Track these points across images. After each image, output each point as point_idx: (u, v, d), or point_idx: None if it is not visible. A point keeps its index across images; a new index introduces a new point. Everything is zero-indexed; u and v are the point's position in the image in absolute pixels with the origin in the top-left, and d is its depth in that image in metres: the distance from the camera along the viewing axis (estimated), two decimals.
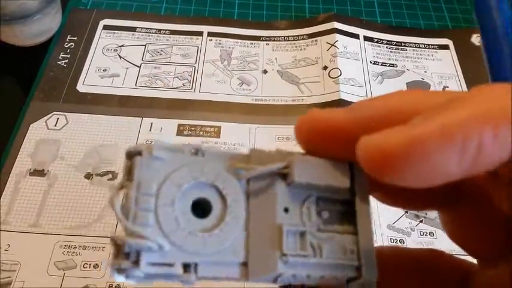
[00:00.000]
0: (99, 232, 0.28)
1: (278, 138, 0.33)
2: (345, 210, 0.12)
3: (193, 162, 0.11)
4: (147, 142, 0.32)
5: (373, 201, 0.16)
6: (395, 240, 0.28)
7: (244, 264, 0.11)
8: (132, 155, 0.11)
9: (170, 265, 0.10)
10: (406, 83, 0.37)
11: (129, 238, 0.10)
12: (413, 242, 0.28)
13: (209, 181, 0.11)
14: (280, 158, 0.12)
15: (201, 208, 0.11)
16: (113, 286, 0.26)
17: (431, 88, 0.37)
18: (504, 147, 0.09)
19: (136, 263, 0.10)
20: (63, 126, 0.33)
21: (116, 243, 0.10)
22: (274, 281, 0.11)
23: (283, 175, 0.12)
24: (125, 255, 0.10)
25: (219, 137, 0.33)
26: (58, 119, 0.33)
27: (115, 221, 0.28)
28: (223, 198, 0.12)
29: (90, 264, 0.26)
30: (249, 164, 0.12)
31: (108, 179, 0.30)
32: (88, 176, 0.30)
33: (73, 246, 0.27)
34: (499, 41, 0.12)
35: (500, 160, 0.09)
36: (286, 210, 0.12)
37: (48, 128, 0.33)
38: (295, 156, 0.12)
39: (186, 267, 0.11)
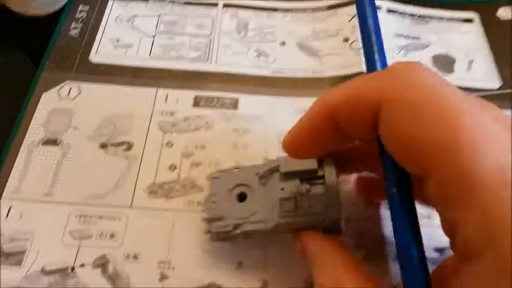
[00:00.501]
0: (115, 202, 0.27)
1: (298, 111, 0.32)
2: (320, 182, 0.20)
3: (234, 174, 0.23)
4: (164, 113, 0.31)
5: None
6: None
7: (265, 221, 0.21)
8: (209, 178, 0.23)
9: (228, 226, 0.21)
10: (431, 57, 0.36)
11: (208, 215, 0.22)
12: None
13: (243, 182, 0.22)
14: (277, 161, 0.21)
15: (243, 197, 0.22)
16: (130, 256, 0.25)
17: (457, 63, 0.35)
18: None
19: (216, 226, 0.21)
20: (76, 95, 0.32)
21: (205, 220, 0.22)
22: (276, 227, 0.21)
23: (278, 170, 0.21)
24: (208, 225, 0.22)
25: (236, 109, 0.32)
26: (71, 88, 0.32)
27: (131, 190, 0.27)
28: (251, 189, 0.22)
29: (106, 234, 0.25)
30: (261, 168, 0.22)
31: (124, 149, 0.29)
32: (103, 146, 0.29)
33: (88, 216, 0.26)
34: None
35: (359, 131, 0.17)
36: (282, 189, 0.20)
37: (60, 98, 0.32)
38: (283, 158, 0.21)
39: (236, 226, 0.21)
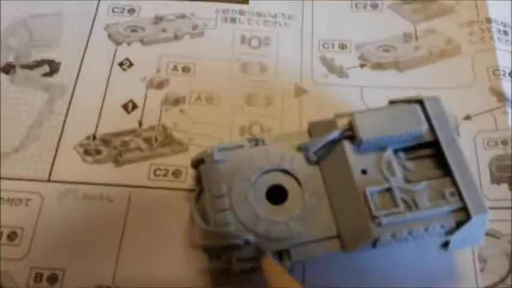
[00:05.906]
0: (22, 170, 0.16)
1: (356, 6, 0.18)
2: (430, 154, 0.13)
3: (256, 153, 0.13)
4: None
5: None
6: None
7: (338, 237, 0.12)
8: (196, 164, 0.13)
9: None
10: None
11: (216, 241, 0.12)
12: None
13: (276, 166, 0.13)
14: (341, 121, 0.13)
15: (277, 194, 0.13)
16: (44, 275, 0.14)
17: None
18: None
19: (229, 261, 0.12)
20: None
21: (206, 249, 0.12)
22: (374, 245, 0.12)
23: (350, 138, 0.13)
24: (217, 257, 0.12)
25: (246, 3, 0.19)
26: None
27: (52, 148, 0.16)
28: (295, 178, 0.13)
29: (1, 233, 0.14)
30: (311, 138, 0.13)
31: (43, 74, 0.17)
32: (7, 69, 0.18)
33: None
34: None
35: None
36: (364, 172, 0.12)
37: None
38: (355, 115, 0.13)
39: (279, 255, 0.12)
